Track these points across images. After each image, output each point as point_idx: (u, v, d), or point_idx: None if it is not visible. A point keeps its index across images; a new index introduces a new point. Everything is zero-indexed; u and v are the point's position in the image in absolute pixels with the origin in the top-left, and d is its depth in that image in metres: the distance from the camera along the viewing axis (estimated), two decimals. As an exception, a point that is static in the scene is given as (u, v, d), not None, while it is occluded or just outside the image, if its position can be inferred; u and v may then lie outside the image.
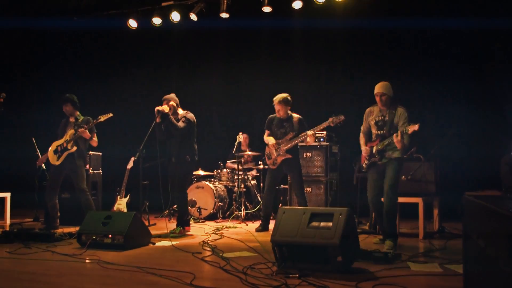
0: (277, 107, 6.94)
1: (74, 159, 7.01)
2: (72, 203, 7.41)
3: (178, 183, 6.65)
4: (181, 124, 6.50)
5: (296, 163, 7.03)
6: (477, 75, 8.25)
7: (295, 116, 7.00)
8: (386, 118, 5.55)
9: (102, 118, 6.92)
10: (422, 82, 8.48)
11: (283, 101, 6.90)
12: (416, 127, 5.12)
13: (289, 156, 6.88)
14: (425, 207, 6.17)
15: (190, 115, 6.69)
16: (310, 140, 6.78)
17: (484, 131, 7.84)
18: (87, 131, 6.94)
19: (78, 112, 7.21)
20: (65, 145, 6.99)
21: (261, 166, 8.78)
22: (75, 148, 6.98)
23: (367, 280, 3.65)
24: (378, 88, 5.56)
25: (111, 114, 6.98)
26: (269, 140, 7.03)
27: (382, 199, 5.57)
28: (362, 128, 5.90)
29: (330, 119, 6.49)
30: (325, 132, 7.83)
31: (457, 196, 3.55)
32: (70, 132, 7.03)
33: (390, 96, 5.54)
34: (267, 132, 7.15)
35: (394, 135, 5.28)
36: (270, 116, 7.18)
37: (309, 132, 6.63)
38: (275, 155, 6.93)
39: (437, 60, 8.51)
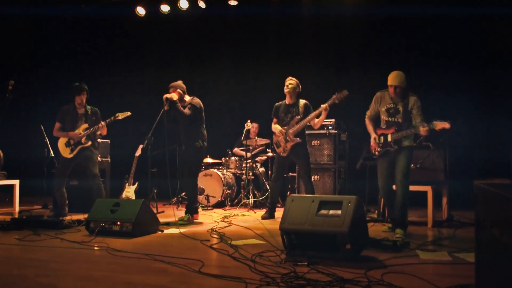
0: (289, 81, 6.89)
1: (88, 149, 7.03)
2: (81, 191, 7.43)
3: (189, 169, 6.65)
4: (187, 111, 6.47)
5: (304, 148, 6.98)
6: (486, 63, 8.17)
7: (302, 101, 6.96)
8: (398, 107, 5.50)
9: (120, 117, 6.93)
10: (432, 69, 8.41)
11: (296, 81, 6.90)
12: (446, 125, 5.09)
13: (298, 140, 6.84)
14: (434, 195, 6.13)
15: (196, 101, 6.65)
16: (319, 120, 6.79)
17: (493, 120, 7.78)
18: (105, 127, 6.93)
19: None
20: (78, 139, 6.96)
21: (270, 154, 8.78)
22: (89, 143, 6.98)
23: (376, 268, 3.63)
24: (393, 81, 5.45)
25: (129, 113, 6.97)
26: (276, 127, 6.99)
27: (394, 187, 5.54)
28: (369, 113, 5.81)
29: (334, 96, 6.44)
30: (333, 120, 7.80)
31: (466, 185, 3.52)
32: (83, 126, 7.00)
33: (404, 88, 5.47)
34: (274, 120, 7.10)
35: (421, 128, 5.24)
36: (277, 103, 7.13)
37: (323, 106, 6.53)
38: (284, 142, 6.88)
39: (447, 46, 8.43)
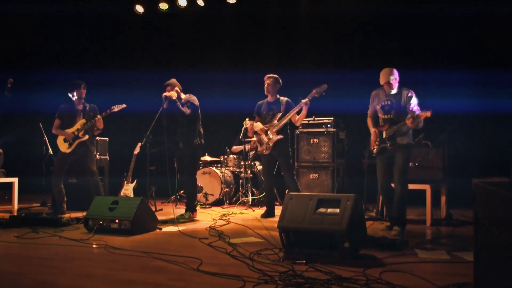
0: (267, 81, 6.92)
1: (86, 144, 7.05)
2: (79, 188, 7.43)
3: (188, 167, 6.66)
4: (186, 109, 6.49)
5: (286, 146, 6.92)
6: (486, 61, 8.17)
7: (283, 98, 6.97)
8: (392, 103, 5.51)
9: (116, 109, 6.97)
10: (431, 67, 8.40)
11: (274, 78, 6.91)
12: (428, 113, 5.09)
13: (280, 137, 6.80)
14: (432, 193, 6.12)
15: (193, 98, 6.69)
16: (300, 116, 6.73)
17: (492, 118, 7.78)
18: (101, 120, 6.95)
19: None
20: (76, 133, 6.98)
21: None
22: (87, 136, 7.01)
23: (374, 267, 3.63)
24: (387, 75, 5.51)
25: (124, 105, 7.02)
26: (257, 125, 7.01)
27: (392, 185, 5.55)
28: (369, 111, 5.85)
29: (314, 90, 6.51)
30: (332, 118, 7.80)
31: (465, 183, 3.51)
32: (81, 121, 7.02)
33: (398, 79, 5.51)
34: (256, 118, 7.12)
35: (406, 119, 5.23)
36: (259, 102, 7.16)
37: (304, 100, 6.54)
38: (266, 139, 6.87)
39: (446, 44, 8.43)
